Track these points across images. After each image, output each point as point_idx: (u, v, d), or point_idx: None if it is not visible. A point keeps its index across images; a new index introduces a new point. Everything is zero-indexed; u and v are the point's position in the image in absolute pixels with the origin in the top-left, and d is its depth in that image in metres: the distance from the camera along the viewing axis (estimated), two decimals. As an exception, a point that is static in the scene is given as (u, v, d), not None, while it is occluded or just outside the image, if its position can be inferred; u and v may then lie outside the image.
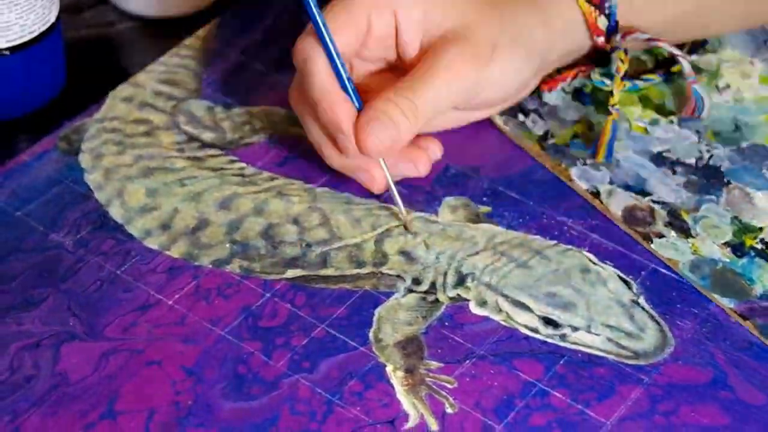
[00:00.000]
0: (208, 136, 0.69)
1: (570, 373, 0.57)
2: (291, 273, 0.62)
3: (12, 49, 0.67)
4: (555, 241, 0.63)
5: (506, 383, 0.57)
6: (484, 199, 0.66)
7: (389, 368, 0.58)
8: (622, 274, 0.61)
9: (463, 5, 0.62)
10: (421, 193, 0.66)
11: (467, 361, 0.58)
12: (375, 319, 0.60)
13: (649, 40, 0.65)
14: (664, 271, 0.62)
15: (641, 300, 0.60)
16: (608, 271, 0.61)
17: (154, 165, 0.67)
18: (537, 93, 0.69)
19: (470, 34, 0.61)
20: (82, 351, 0.58)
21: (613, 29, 0.65)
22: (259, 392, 0.56)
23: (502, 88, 0.64)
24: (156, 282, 0.61)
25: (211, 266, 0.62)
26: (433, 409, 0.56)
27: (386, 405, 0.56)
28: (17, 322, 0.59)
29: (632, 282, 0.61)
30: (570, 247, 0.62)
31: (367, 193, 0.66)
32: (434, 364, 0.58)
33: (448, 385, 0.57)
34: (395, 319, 0.60)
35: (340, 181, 0.66)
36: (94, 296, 0.60)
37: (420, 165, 0.64)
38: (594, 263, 0.61)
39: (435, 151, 0.64)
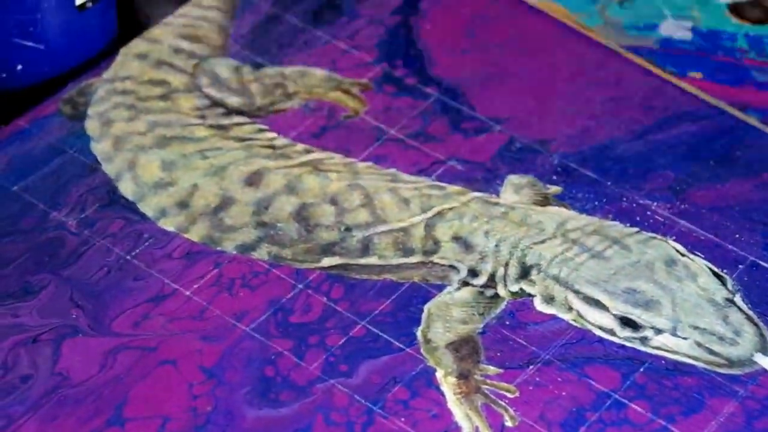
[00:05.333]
0: (234, 100, 0.69)
1: (651, 382, 0.57)
2: (327, 261, 0.62)
3: (94, 0, 0.70)
4: (636, 228, 0.62)
5: (576, 393, 0.57)
6: (554, 177, 0.66)
7: (440, 373, 0.58)
8: (714, 268, 0.60)
9: None
10: (480, 170, 0.66)
11: (531, 367, 0.58)
12: (424, 316, 0.60)
13: None
14: (765, 264, 0.61)
15: (737, 298, 0.59)
16: (698, 264, 0.60)
17: (172, 134, 0.67)
18: None
19: None
20: (86, 348, 0.58)
21: None
22: (288, 398, 0.57)
23: None
24: (172, 269, 0.62)
25: (235, 252, 0.62)
26: (491, 421, 0.56)
27: (436, 416, 0.56)
28: (12, 314, 0.60)
29: (727, 277, 0.60)
30: (654, 235, 0.62)
31: (417, 170, 0.66)
32: (492, 370, 0.58)
33: (509, 395, 0.57)
34: (448, 317, 0.60)
35: (386, 155, 0.66)
36: (100, 285, 0.61)
37: None
38: (682, 255, 0.61)
39: None
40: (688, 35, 0.71)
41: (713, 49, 0.70)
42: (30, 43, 0.70)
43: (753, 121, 0.67)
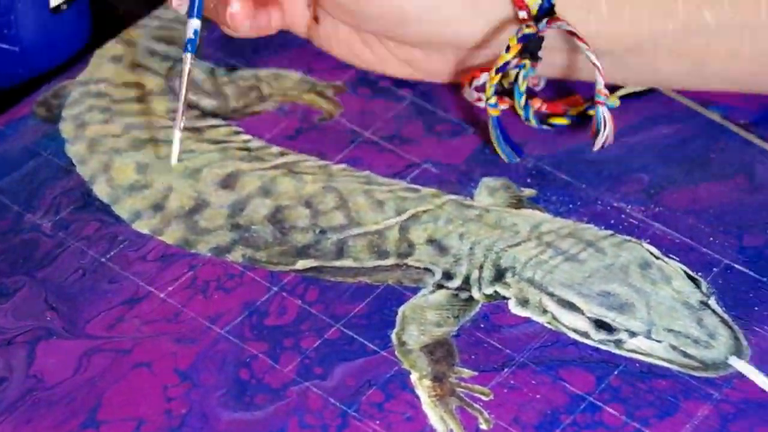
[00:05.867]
0: (208, 103, 0.69)
1: (626, 385, 0.57)
2: (302, 264, 0.62)
3: (68, 2, 0.70)
4: (610, 231, 0.63)
5: (551, 396, 0.57)
6: (528, 180, 0.66)
7: (414, 376, 0.58)
8: (689, 271, 0.61)
9: None
10: (455, 173, 0.66)
11: (505, 370, 0.58)
12: (398, 318, 0.60)
13: (571, 33, 0.64)
14: (740, 267, 0.61)
15: (711, 301, 0.60)
16: (673, 266, 0.61)
17: (146, 136, 0.67)
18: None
19: None
20: (61, 350, 0.58)
21: (545, 11, 0.64)
22: (263, 401, 0.57)
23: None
24: (146, 272, 0.61)
25: (210, 254, 0.62)
26: (465, 424, 0.56)
27: (410, 418, 0.56)
28: (-14, 316, 0.60)
29: (701, 280, 0.60)
30: (628, 238, 0.62)
31: (391, 173, 0.66)
32: (467, 373, 0.58)
33: (483, 397, 0.57)
34: (422, 319, 0.60)
35: (361, 158, 0.67)
36: (74, 287, 0.61)
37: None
38: (656, 257, 0.61)
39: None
40: None
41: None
42: (4, 45, 0.70)
43: (715, 117, 0.67)
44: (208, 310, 0.60)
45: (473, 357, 0.58)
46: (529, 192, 0.65)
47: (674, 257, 0.62)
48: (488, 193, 0.65)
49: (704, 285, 0.60)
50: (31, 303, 0.60)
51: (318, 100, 0.70)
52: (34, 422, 0.56)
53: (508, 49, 0.64)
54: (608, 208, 0.64)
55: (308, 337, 0.59)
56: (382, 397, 0.57)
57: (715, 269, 0.62)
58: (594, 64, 0.64)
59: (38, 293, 0.60)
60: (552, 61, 0.66)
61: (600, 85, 0.64)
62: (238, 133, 0.68)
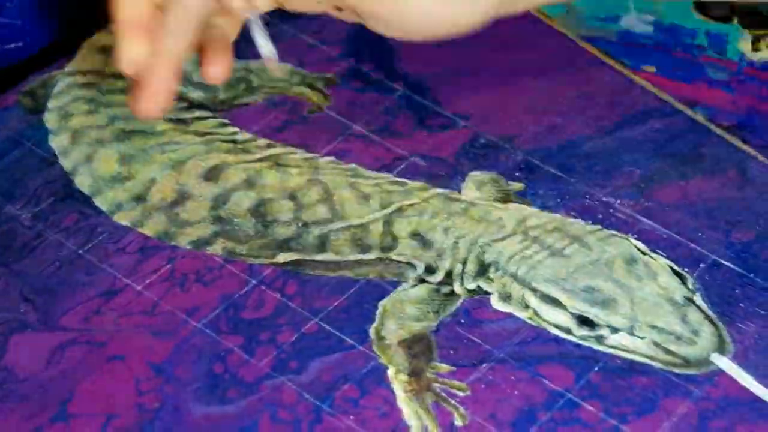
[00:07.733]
0: (196, 94, 0.69)
1: (605, 382, 0.56)
2: (282, 257, 0.61)
3: None
4: (598, 226, 0.61)
5: (528, 392, 0.56)
6: (517, 174, 0.65)
7: (391, 371, 0.57)
8: (675, 267, 0.59)
9: None
10: (443, 166, 0.65)
11: (484, 365, 0.57)
12: (378, 313, 0.59)
13: None
14: (727, 263, 0.60)
15: (697, 298, 0.59)
16: (659, 262, 0.60)
17: (131, 127, 0.67)
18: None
19: None
20: (34, 342, 0.58)
21: None
22: (236, 395, 0.56)
23: None
24: (124, 264, 0.61)
25: (189, 247, 0.62)
26: (440, 420, 0.55)
27: (385, 414, 0.56)
28: (-39, 307, 0.60)
29: (688, 276, 0.59)
30: (615, 233, 0.61)
31: (379, 166, 0.65)
32: (444, 368, 0.57)
33: (460, 393, 0.56)
34: (401, 314, 0.59)
35: (349, 150, 0.66)
36: (51, 279, 0.61)
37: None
38: (643, 253, 0.60)
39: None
40: (648, 29, 0.70)
41: (672, 44, 0.70)
42: (4, 20, 0.69)
43: (700, 119, 0.66)
44: (185, 303, 0.60)
45: (452, 352, 0.58)
46: (517, 186, 0.64)
47: (661, 253, 0.60)
48: (476, 186, 0.64)
49: (690, 281, 0.59)
50: (6, 295, 0.60)
51: (307, 92, 0.69)
52: (4, 415, 0.56)
53: None
54: (596, 202, 0.63)
55: (285, 331, 0.58)
56: (357, 393, 0.56)
57: (702, 265, 0.60)
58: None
59: (14, 285, 0.60)
60: None
61: None
62: (225, 125, 0.68)
